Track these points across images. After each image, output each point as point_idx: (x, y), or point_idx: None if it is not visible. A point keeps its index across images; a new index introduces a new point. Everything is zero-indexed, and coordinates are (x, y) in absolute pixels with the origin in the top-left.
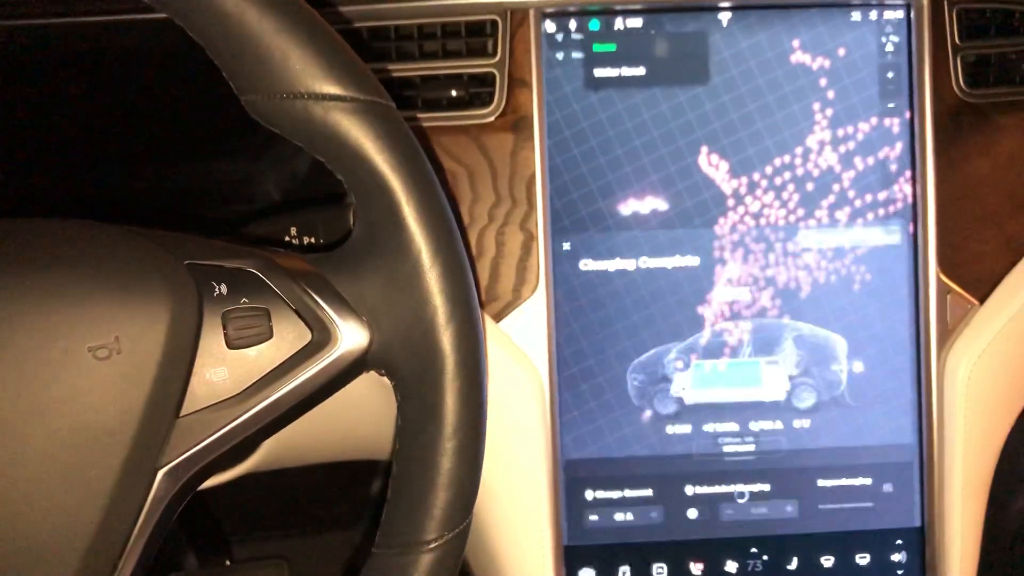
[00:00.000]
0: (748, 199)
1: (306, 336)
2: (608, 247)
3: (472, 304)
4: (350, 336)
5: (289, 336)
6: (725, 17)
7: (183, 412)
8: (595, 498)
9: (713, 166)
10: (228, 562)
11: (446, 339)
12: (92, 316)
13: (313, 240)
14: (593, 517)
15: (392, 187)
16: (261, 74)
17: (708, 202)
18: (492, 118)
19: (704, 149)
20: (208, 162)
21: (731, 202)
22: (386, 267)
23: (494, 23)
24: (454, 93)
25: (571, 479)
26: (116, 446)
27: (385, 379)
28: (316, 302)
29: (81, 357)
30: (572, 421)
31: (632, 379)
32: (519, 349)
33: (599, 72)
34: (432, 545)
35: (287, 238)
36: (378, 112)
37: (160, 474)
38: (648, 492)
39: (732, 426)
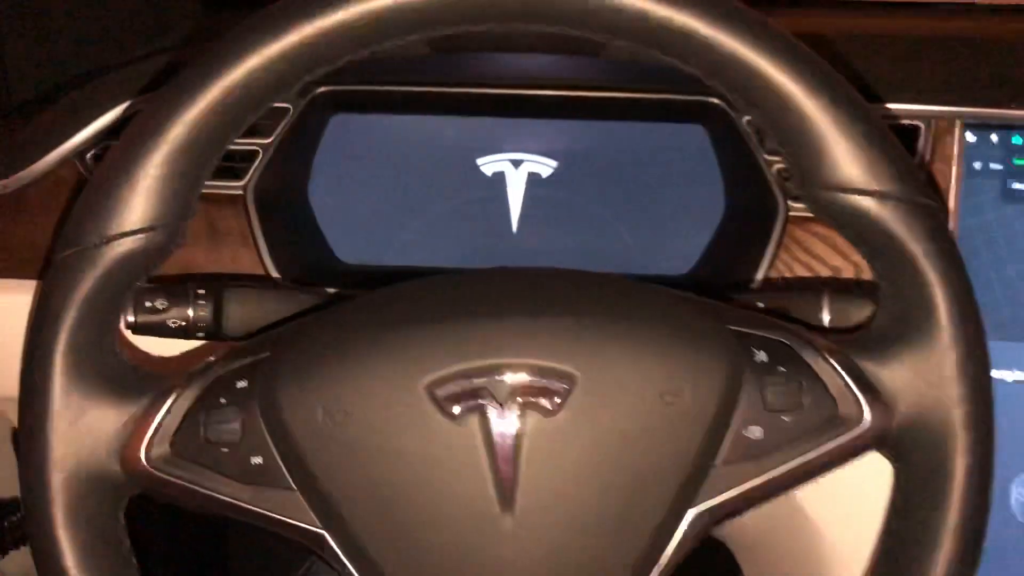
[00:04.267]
0: None
1: (832, 409)
2: (1007, 357)
3: (992, 408)
4: (873, 416)
5: (817, 407)
6: None
7: (720, 461)
8: None
9: None
10: None
11: (967, 437)
12: (663, 365)
13: None
14: None
15: (933, 287)
16: (828, 170)
17: None
18: None
19: None
20: (620, 228)
21: None
22: (914, 357)
23: (916, 128)
24: None
25: None
26: (665, 484)
27: None
28: (844, 379)
29: (652, 399)
30: None
31: (1017, 492)
32: None
33: (1016, 185)
34: None
35: None
36: (929, 214)
37: (691, 514)
38: None
39: None
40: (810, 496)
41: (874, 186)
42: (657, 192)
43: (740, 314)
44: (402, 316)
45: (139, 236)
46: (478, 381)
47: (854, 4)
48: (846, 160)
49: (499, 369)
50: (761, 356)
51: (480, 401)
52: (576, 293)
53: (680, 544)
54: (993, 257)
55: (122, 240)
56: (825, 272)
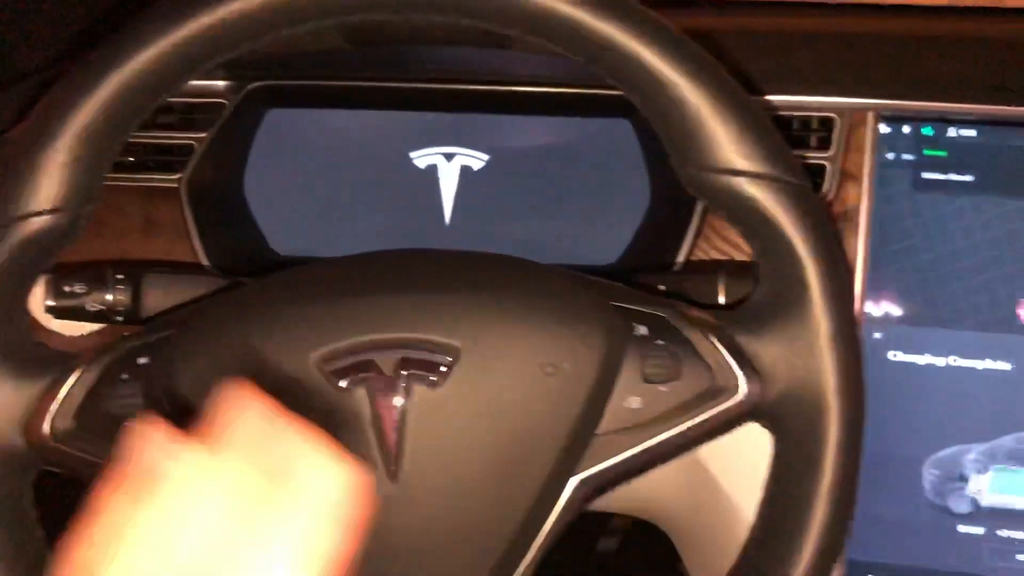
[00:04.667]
0: None
1: (709, 381)
2: (919, 341)
3: (862, 376)
4: (748, 386)
5: (694, 378)
6: None
7: (600, 430)
8: None
9: None
10: None
11: (837, 404)
12: (545, 338)
13: None
14: None
15: (805, 264)
16: (703, 151)
17: None
18: None
19: None
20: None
21: None
22: (787, 331)
23: (830, 120)
24: None
25: (855, 561)
26: (547, 452)
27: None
28: (720, 352)
29: (533, 370)
30: (863, 504)
31: (928, 472)
32: None
33: (927, 175)
34: None
35: None
36: (800, 194)
37: (573, 482)
38: None
39: None
40: (734, 479)
41: (747, 167)
42: (586, 184)
43: (624, 291)
44: (294, 295)
45: (44, 218)
46: (365, 355)
47: (769, 3)
48: (719, 141)
49: (385, 344)
50: (641, 330)
51: (367, 374)
52: (462, 271)
53: (563, 512)
54: (906, 246)
55: (27, 221)
56: (741, 258)
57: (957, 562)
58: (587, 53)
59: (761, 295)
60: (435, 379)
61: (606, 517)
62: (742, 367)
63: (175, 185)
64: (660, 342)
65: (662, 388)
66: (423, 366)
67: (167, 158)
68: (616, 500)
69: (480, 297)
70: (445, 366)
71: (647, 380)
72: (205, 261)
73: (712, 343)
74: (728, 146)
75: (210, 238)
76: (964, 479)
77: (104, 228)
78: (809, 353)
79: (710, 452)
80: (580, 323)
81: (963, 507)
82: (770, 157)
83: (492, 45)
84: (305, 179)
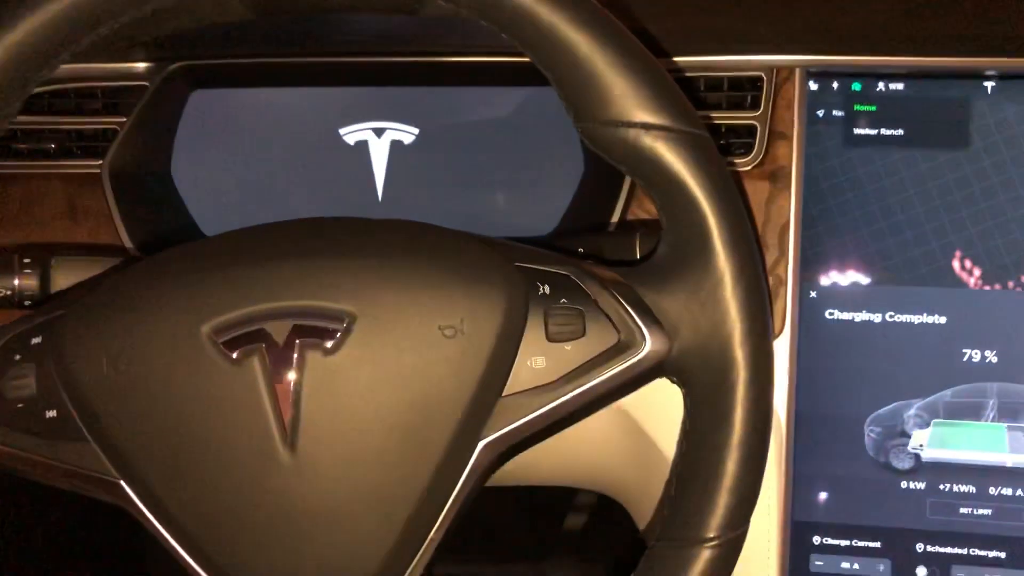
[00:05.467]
0: None
1: (613, 338)
2: (855, 299)
3: (768, 324)
4: (653, 342)
5: (599, 336)
6: (990, 84)
7: (506, 392)
8: (822, 543)
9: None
10: None
11: (743, 354)
12: (442, 300)
13: None
14: (818, 562)
15: (704, 212)
16: (599, 105)
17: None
18: (750, 167)
19: (962, 212)
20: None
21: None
22: (690, 282)
23: (759, 79)
24: None
25: (799, 521)
26: (450, 415)
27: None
28: (624, 308)
29: (432, 333)
30: (805, 465)
31: (869, 431)
32: None
33: (858, 130)
34: (713, 543)
35: None
36: (697, 143)
37: (481, 445)
38: (876, 544)
39: (969, 488)
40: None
41: (642, 118)
42: (519, 154)
43: (528, 251)
44: (184, 267)
45: None
46: (257, 325)
47: None
48: (614, 94)
49: (276, 312)
50: (544, 289)
51: (259, 344)
52: (356, 237)
53: (470, 477)
54: (839, 202)
55: None
56: None
57: (901, 518)
58: (477, 10)
59: (665, 248)
60: (329, 346)
61: (571, 493)
62: (646, 322)
63: (99, 171)
64: (564, 300)
65: (567, 347)
66: (316, 333)
67: (91, 144)
68: (569, 473)
69: (373, 261)
70: (340, 332)
71: (551, 339)
72: (130, 246)
73: (617, 299)
74: (623, 98)
75: (135, 223)
76: (905, 435)
77: (28, 217)
78: (712, 303)
79: (653, 418)
80: (479, 284)
81: (905, 463)
82: (665, 107)
83: (399, 11)
84: (233, 160)
